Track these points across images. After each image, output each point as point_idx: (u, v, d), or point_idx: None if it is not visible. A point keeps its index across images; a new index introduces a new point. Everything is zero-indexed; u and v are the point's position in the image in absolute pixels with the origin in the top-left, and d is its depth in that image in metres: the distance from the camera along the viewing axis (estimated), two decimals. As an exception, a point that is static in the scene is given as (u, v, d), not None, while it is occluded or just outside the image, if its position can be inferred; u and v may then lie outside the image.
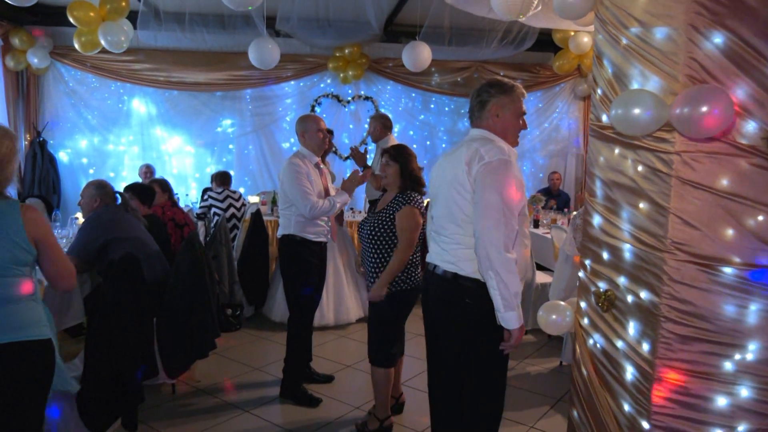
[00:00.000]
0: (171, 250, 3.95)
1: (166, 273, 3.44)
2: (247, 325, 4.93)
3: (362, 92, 6.88)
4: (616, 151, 1.62)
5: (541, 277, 4.76)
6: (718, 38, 1.37)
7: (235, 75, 6.44)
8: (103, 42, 4.44)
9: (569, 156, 6.87)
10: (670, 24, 1.42)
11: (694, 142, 1.40)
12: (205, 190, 5.90)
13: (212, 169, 6.77)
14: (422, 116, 7.05)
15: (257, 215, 5.13)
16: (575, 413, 1.85)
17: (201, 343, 3.48)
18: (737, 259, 1.42)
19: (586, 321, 1.80)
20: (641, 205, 1.52)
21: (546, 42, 6.25)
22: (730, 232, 1.42)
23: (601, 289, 1.68)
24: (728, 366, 1.46)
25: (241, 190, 6.72)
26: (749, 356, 1.45)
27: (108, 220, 3.30)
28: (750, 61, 1.37)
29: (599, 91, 1.70)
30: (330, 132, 4.67)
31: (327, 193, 3.51)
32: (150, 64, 6.32)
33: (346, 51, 6.37)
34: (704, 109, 1.30)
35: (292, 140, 6.96)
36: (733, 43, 1.37)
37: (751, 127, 1.39)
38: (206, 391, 3.65)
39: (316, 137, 3.44)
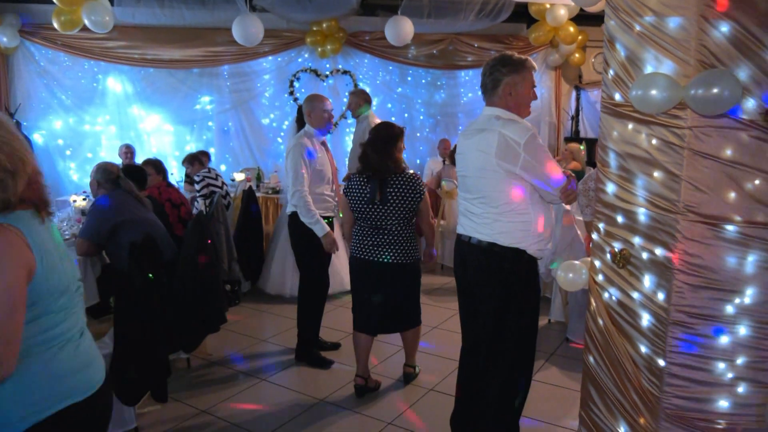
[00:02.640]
0: (171, 230, 4.02)
1: (173, 252, 3.53)
2: (245, 300, 5.06)
3: (340, 66, 6.93)
4: (630, 126, 1.82)
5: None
6: (724, 27, 1.58)
7: (211, 51, 6.39)
8: (86, 22, 4.39)
9: (542, 124, 7.13)
10: (683, 14, 1.62)
11: (704, 118, 1.61)
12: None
13: (192, 147, 6.74)
14: (400, 89, 7.17)
15: (250, 192, 5.20)
16: (591, 358, 2.10)
17: (213, 318, 3.62)
18: (738, 218, 1.67)
19: (600, 277, 2.03)
20: (656, 174, 1.74)
21: (518, 13, 6.43)
22: (732, 194, 1.66)
23: (617, 249, 1.91)
24: (730, 309, 1.71)
25: (223, 168, 6.75)
26: (747, 300, 1.70)
27: (118, 203, 3.36)
28: (750, 47, 1.58)
29: (611, 72, 1.90)
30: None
31: (333, 169, 3.68)
32: (124, 42, 6.20)
33: (324, 25, 6.39)
34: (716, 90, 1.51)
35: (272, 116, 6.98)
36: (736, 32, 1.58)
37: (750, 104, 1.61)
38: (220, 363, 3.81)
39: (322, 117, 3.59)
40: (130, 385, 2.80)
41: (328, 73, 6.90)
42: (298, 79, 6.86)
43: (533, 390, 2.70)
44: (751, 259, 1.70)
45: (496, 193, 2.27)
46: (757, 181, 1.66)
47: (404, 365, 3.58)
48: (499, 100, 2.37)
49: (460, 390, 2.66)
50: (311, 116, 3.61)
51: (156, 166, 4.43)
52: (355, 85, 6.80)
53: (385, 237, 3.16)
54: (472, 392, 2.56)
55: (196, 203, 5.04)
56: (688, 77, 1.63)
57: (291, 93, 6.85)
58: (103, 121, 6.54)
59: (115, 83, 6.50)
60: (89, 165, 5.57)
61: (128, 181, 3.49)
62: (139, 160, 5.69)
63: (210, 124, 6.85)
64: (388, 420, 3.06)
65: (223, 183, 5.34)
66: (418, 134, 7.26)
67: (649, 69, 1.73)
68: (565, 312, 4.29)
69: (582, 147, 5.72)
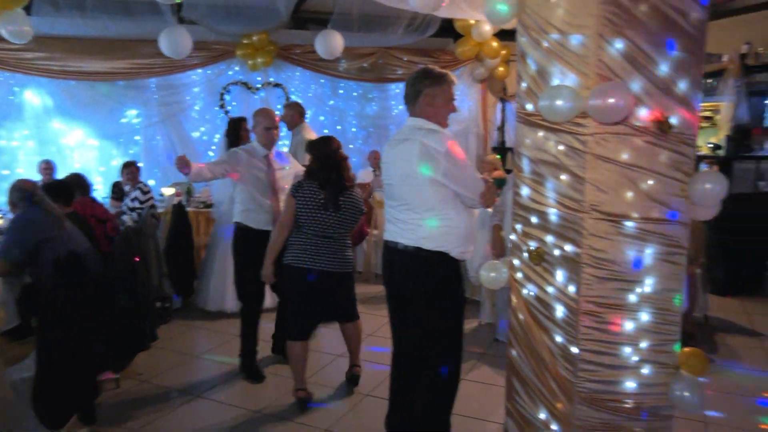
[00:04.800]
0: (98, 246, 3.91)
1: (99, 268, 3.44)
2: (178, 316, 4.96)
3: (272, 79, 6.94)
4: (540, 134, 1.99)
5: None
6: (619, 44, 1.76)
7: (137, 63, 6.23)
8: (2, 32, 4.19)
9: (470, 135, 7.39)
10: (583, 32, 1.79)
11: (603, 125, 1.79)
12: (115, 184, 5.74)
13: (118, 162, 6.52)
14: (332, 101, 7.24)
15: (179, 207, 5.12)
16: (513, 352, 2.24)
17: (143, 335, 3.54)
18: (635, 215, 1.85)
19: (519, 275, 2.18)
20: (563, 177, 1.90)
21: (445, 29, 6.67)
22: (630, 194, 1.84)
23: (532, 247, 2.06)
24: (633, 298, 1.89)
25: (152, 183, 6.56)
26: (647, 289, 1.89)
27: (37, 221, 3.24)
28: (642, 62, 1.77)
29: (524, 85, 2.06)
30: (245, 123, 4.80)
31: (274, 187, 3.67)
32: (43, 53, 5.93)
33: (254, 38, 6.39)
34: (611, 101, 1.68)
35: (202, 129, 6.87)
36: (630, 49, 1.77)
37: (643, 112, 1.80)
38: (151, 382, 3.72)
39: (263, 133, 3.63)
40: (56, 407, 2.70)
41: (259, 86, 6.88)
42: (228, 92, 6.79)
43: (465, 389, 2.82)
44: (649, 252, 1.88)
45: (420, 199, 2.39)
46: (651, 181, 1.85)
47: (351, 366, 3.62)
48: (420, 110, 2.50)
49: (392, 392, 2.74)
50: (255, 131, 3.70)
51: (78, 181, 4.29)
52: (287, 98, 6.82)
53: (332, 245, 3.21)
54: (404, 394, 2.65)
55: (123, 218, 4.90)
56: (589, 89, 1.80)
57: (222, 106, 6.78)
58: (21, 136, 6.21)
59: (34, 96, 6.20)
60: (6, 182, 5.29)
61: (45, 197, 3.35)
62: (60, 175, 5.46)
63: (137, 138, 6.65)
64: (326, 427, 3.10)
65: (151, 197, 5.23)
66: (351, 146, 7.35)
67: (555, 82, 1.90)
68: (494, 313, 4.48)
69: (498, 156, 6.10)
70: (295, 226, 3.27)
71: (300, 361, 3.36)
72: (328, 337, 3.51)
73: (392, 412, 2.74)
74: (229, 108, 6.77)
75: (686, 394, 1.96)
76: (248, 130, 5.20)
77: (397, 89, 7.22)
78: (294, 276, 3.26)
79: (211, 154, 6.74)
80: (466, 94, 7.39)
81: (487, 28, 6.03)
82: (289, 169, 3.80)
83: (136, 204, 5.03)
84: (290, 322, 3.37)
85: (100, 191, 6.23)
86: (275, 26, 6.28)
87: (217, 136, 6.69)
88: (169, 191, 5.78)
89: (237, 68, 6.78)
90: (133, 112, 6.56)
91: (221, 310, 4.95)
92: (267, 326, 4.04)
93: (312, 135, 5.14)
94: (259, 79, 6.85)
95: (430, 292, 2.49)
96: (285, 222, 3.32)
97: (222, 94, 6.78)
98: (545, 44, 1.92)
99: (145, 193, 5.10)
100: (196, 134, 6.82)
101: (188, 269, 5.14)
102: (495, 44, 6.64)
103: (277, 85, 6.93)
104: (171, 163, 6.65)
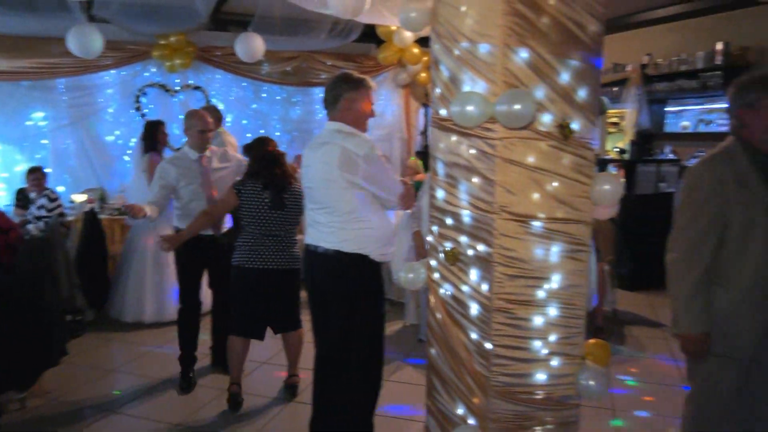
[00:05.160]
0: (-1, 257, 3.67)
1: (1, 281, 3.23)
2: (91, 329, 4.71)
3: (191, 81, 6.75)
4: (453, 138, 2.05)
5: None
6: (524, 54, 1.86)
7: (44, 63, 5.88)
8: None
9: (394, 140, 7.50)
10: (490, 41, 1.87)
11: (510, 130, 1.87)
12: (19, 191, 5.40)
13: (23, 167, 6.12)
14: (254, 105, 7.14)
15: (91, 215, 4.88)
16: (432, 351, 2.29)
17: (51, 351, 3.35)
18: (542, 215, 1.95)
19: (437, 275, 2.24)
20: (475, 180, 1.98)
21: (368, 34, 6.74)
22: (536, 195, 1.93)
23: (447, 248, 2.12)
24: (541, 294, 1.99)
25: (60, 189, 6.21)
26: (554, 285, 1.99)
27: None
28: (545, 71, 1.88)
29: (437, 91, 2.12)
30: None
31: (210, 190, 3.63)
32: (-66, 50, 5.49)
33: (172, 39, 6.19)
34: (517, 107, 1.77)
35: (117, 133, 6.58)
36: (533, 58, 1.86)
37: (547, 118, 1.91)
38: (61, 400, 3.51)
39: (197, 136, 3.60)
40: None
41: (178, 88, 6.67)
42: (145, 94, 6.54)
43: (390, 389, 2.87)
44: (555, 250, 1.99)
45: (340, 202, 2.41)
46: (555, 183, 1.95)
47: (289, 376, 3.63)
48: (339, 114, 2.53)
49: (315, 396, 2.74)
50: (186, 134, 3.67)
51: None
52: (208, 101, 6.65)
53: (279, 243, 3.21)
54: (327, 396, 2.66)
55: (28, 228, 4.60)
56: (496, 95, 1.88)
57: (138, 109, 6.52)
58: None
59: (-76, 97, 5.73)
60: None
61: None
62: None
63: (44, 141, 6.26)
64: (250, 434, 3.05)
65: (60, 205, 4.94)
66: (275, 150, 7.28)
67: (466, 88, 1.97)
68: (418, 314, 4.56)
69: (413, 158, 6.30)
70: (239, 227, 3.31)
71: (240, 356, 3.37)
72: (253, 344, 3.47)
73: (316, 416, 2.74)
74: (145, 111, 6.52)
75: (591, 383, 2.08)
76: (166, 134, 5.04)
77: (321, 93, 7.12)
78: (244, 276, 3.25)
79: (126, 158, 6.46)
80: (389, 99, 7.49)
81: (409, 35, 6.15)
82: (232, 166, 3.76)
83: (43, 212, 4.74)
84: (234, 319, 3.34)
85: (3, 199, 5.82)
86: (194, 27, 6.11)
87: (134, 139, 6.42)
88: (80, 198, 5.49)
89: (154, 70, 6.55)
90: (39, 114, 6.17)
91: (139, 321, 4.76)
92: (202, 338, 3.95)
93: (231, 139, 5.05)
94: (177, 81, 6.65)
95: (350, 294, 2.52)
96: (214, 212, 3.35)
97: (138, 97, 6.53)
98: (456, 52, 1.99)
99: (52, 200, 4.82)
100: (110, 138, 6.52)
101: (102, 280, 4.90)
102: (416, 50, 6.78)
103: (196, 88, 6.74)
104: (83, 168, 6.34)
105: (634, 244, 5.45)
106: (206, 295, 3.96)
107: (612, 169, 6.70)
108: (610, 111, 7.08)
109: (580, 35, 1.92)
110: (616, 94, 6.92)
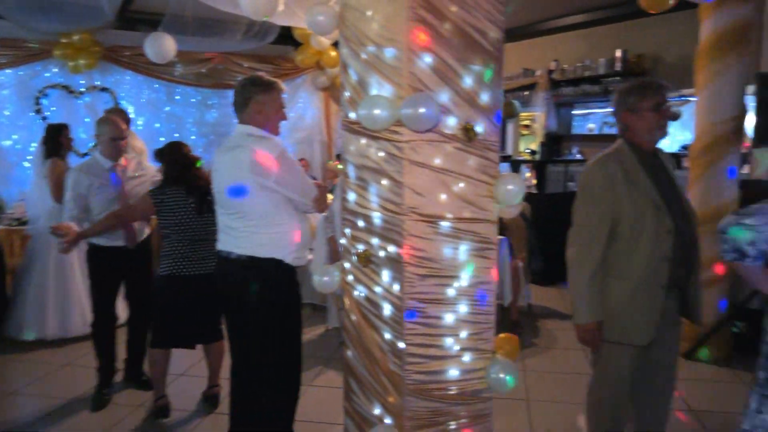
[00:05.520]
0: None
1: None
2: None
3: (98, 83, 6.41)
4: (363, 141, 2.07)
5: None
6: (428, 58, 1.90)
7: (-75, 61, 5.40)
8: None
9: (315, 143, 7.46)
10: (395, 46, 1.91)
11: (416, 133, 1.92)
12: None
13: None
14: (168, 108, 6.88)
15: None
16: (349, 353, 2.30)
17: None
18: (449, 215, 2.01)
19: (350, 277, 2.25)
20: (384, 182, 2.01)
21: (286, 36, 6.67)
22: (443, 196, 1.99)
23: (360, 250, 2.14)
24: (451, 292, 2.05)
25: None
26: (464, 283, 2.06)
27: None
28: (449, 75, 1.93)
29: (347, 94, 2.14)
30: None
31: (125, 200, 3.47)
32: None
33: (75, 38, 5.86)
34: (421, 110, 1.81)
35: (15, 137, 6.15)
36: (437, 62, 1.91)
37: (451, 121, 1.97)
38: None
39: (109, 144, 3.45)
40: None
41: (83, 89, 6.31)
42: (46, 95, 6.15)
43: (311, 394, 2.85)
44: (463, 249, 2.05)
45: (252, 207, 2.38)
46: (461, 184, 2.02)
47: (210, 387, 3.56)
48: (250, 117, 2.50)
49: (233, 405, 2.68)
50: (99, 141, 3.50)
51: None
52: (116, 104, 6.34)
53: (208, 247, 3.11)
54: (244, 405, 2.60)
55: None
56: (403, 99, 1.92)
57: (38, 111, 6.11)
58: None
59: None
60: None
61: None
62: None
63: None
64: (164, 450, 2.94)
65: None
66: (191, 154, 7.05)
67: (374, 92, 2.00)
68: (340, 318, 4.56)
69: (330, 162, 6.32)
70: (162, 235, 3.19)
71: (163, 368, 3.29)
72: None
73: (234, 425, 2.68)
74: (47, 113, 6.13)
75: (501, 375, 2.16)
76: (70, 138, 4.77)
77: (238, 96, 7.05)
78: (176, 285, 3.16)
79: (26, 164, 6.04)
80: (309, 103, 7.46)
81: (326, 38, 6.15)
82: (147, 176, 3.64)
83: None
84: (159, 331, 3.24)
85: None
86: (99, 26, 5.81)
87: (34, 144, 6.01)
88: (-27, 207, 5.07)
89: (56, 70, 6.17)
90: None
91: (41, 338, 4.46)
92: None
93: (138, 142, 4.85)
94: (82, 82, 6.30)
95: (266, 300, 2.48)
96: (124, 214, 3.23)
97: (38, 98, 6.12)
98: (363, 56, 2.01)
99: None
100: (7, 143, 6.08)
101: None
102: (334, 53, 6.79)
103: (103, 90, 6.41)
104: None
105: (545, 240, 5.71)
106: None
107: (525, 170, 7.00)
108: (522, 114, 7.39)
109: (481, 41, 2.00)
110: (527, 98, 7.24)
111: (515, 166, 6.76)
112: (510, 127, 7.95)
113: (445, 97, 1.95)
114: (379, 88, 1.97)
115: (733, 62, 4.16)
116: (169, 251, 3.17)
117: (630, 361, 2.45)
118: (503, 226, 5.04)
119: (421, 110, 1.82)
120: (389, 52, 1.95)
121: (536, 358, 4.33)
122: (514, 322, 4.85)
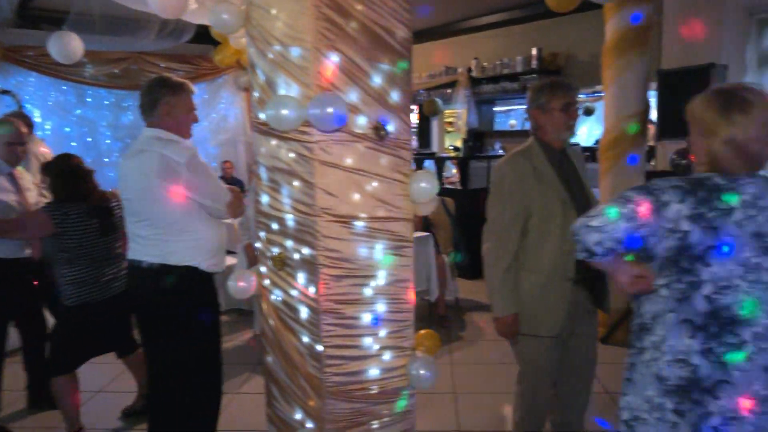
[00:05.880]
0: None
1: None
2: None
3: (-2, 85, 5.99)
4: (273, 142, 2.03)
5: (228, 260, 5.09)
6: (335, 57, 1.89)
7: None
8: None
9: (238, 144, 7.29)
10: (302, 45, 1.88)
11: (325, 133, 1.90)
12: None
13: None
14: (78, 111, 6.53)
15: None
16: (269, 358, 2.26)
17: None
18: (363, 215, 2.00)
19: (267, 281, 2.20)
20: (296, 183, 1.98)
21: (204, 35, 6.45)
22: (356, 196, 1.98)
23: (275, 253, 2.10)
24: (368, 291, 2.04)
25: None
26: (381, 282, 2.06)
27: None
28: (356, 74, 1.92)
29: (256, 95, 2.09)
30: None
31: (24, 205, 3.23)
32: None
33: (-30, 37, 5.43)
34: (329, 110, 1.80)
35: None
36: (344, 62, 1.90)
37: (362, 120, 1.96)
38: None
39: (5, 148, 3.22)
40: None
41: (-19, 92, 5.87)
42: (-60, 99, 5.68)
43: (238, 402, 2.77)
44: (379, 248, 2.05)
45: (161, 213, 2.29)
46: (374, 183, 2.02)
47: (139, 396, 3.38)
48: (158, 120, 2.40)
49: (151, 419, 2.57)
50: None
51: None
52: (20, 107, 5.94)
53: (116, 266, 2.99)
54: (164, 416, 2.51)
55: None
56: (310, 99, 1.89)
57: (-69, 116, 5.62)
58: None
59: None
60: None
61: None
62: None
63: None
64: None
65: None
66: (106, 159, 6.71)
67: (281, 92, 1.96)
68: (259, 323, 4.48)
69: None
70: (60, 260, 2.94)
71: (69, 397, 3.04)
72: (83, 373, 3.14)
73: (153, 440, 2.57)
74: (-61, 118, 5.64)
75: (422, 372, 2.18)
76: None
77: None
78: (88, 313, 2.97)
79: None
80: (231, 103, 7.29)
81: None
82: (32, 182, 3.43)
83: None
84: (57, 356, 3.02)
85: None
86: (-3, 24, 5.41)
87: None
88: None
89: (-51, 71, 5.71)
90: None
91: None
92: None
93: (43, 148, 4.58)
94: (-20, 84, 5.86)
95: (181, 308, 2.40)
96: (27, 224, 2.96)
97: (-72, 102, 5.64)
98: (270, 55, 1.97)
99: None
100: None
101: None
102: (255, 53, 6.64)
103: (4, 92, 5.99)
104: None
105: (470, 235, 5.84)
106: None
107: (451, 167, 7.13)
108: (446, 111, 7.53)
109: (389, 40, 2.00)
110: (449, 96, 7.38)
111: (439, 162, 6.88)
112: (434, 125, 8.07)
113: (354, 96, 1.94)
114: (287, 88, 1.94)
115: (636, 60, 4.40)
116: (74, 278, 2.95)
117: (545, 352, 2.53)
118: (429, 223, 5.11)
119: (329, 110, 1.81)
120: (295, 51, 1.91)
121: (463, 350, 4.42)
122: (441, 316, 4.93)
